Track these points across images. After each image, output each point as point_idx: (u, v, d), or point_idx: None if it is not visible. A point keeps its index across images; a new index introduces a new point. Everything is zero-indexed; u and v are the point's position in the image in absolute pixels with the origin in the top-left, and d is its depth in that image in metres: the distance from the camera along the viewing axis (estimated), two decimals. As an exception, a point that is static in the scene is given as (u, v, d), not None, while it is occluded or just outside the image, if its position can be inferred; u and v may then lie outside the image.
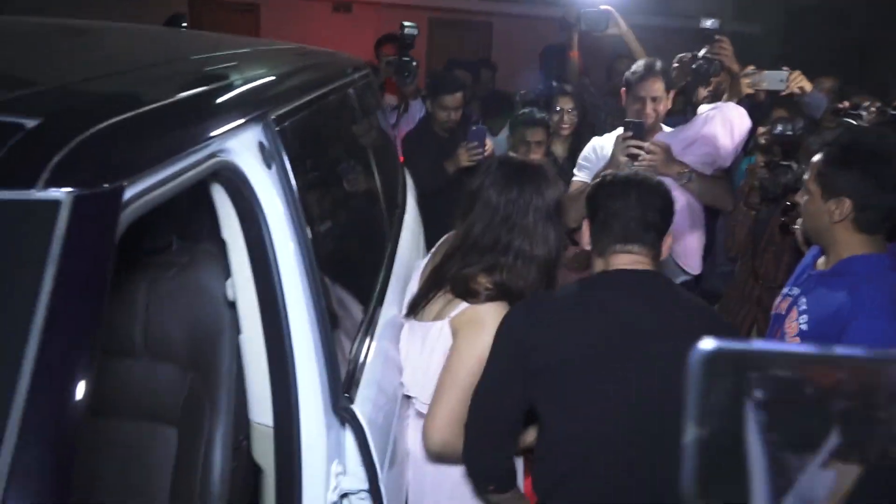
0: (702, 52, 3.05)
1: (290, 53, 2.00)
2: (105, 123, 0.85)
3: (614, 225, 1.61)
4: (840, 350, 0.42)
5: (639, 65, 2.86)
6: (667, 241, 1.64)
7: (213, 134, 1.10)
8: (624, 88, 2.91)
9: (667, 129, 2.93)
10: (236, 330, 1.41)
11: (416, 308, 1.86)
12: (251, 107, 1.28)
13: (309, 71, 1.79)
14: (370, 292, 1.92)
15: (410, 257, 2.42)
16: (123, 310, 1.47)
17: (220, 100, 1.20)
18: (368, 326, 1.78)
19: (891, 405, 0.41)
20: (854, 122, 2.93)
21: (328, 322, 1.41)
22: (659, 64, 2.85)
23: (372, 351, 1.71)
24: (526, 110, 3.45)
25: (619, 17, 3.48)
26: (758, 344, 0.43)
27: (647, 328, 1.53)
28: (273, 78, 1.49)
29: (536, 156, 3.25)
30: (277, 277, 1.30)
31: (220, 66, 1.41)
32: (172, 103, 1.05)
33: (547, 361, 1.55)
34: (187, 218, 1.62)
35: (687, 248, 2.90)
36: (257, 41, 2.18)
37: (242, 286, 1.32)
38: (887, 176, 1.74)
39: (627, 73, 2.90)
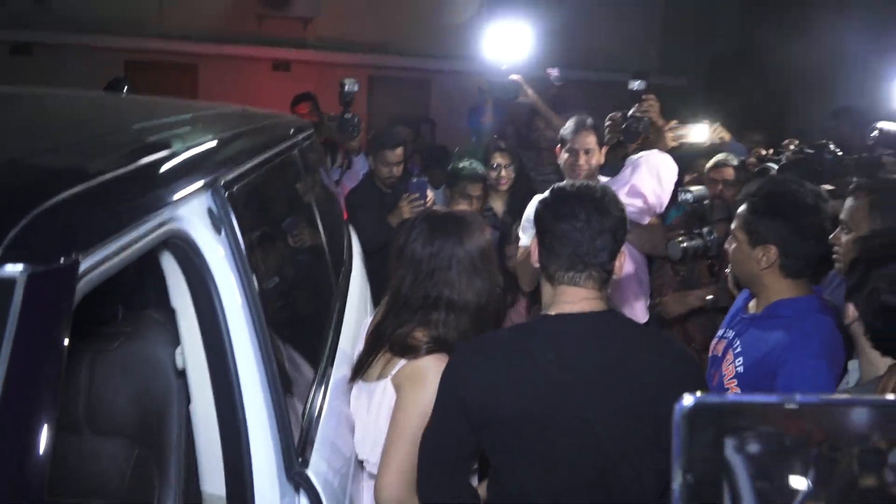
0: (631, 111, 3.20)
1: (234, 117, 2.02)
2: (56, 198, 0.85)
3: (562, 251, 1.53)
4: (800, 398, 0.47)
5: (572, 121, 3.00)
6: (619, 259, 1.57)
7: (163, 203, 1.11)
8: (559, 145, 3.03)
9: (603, 178, 3.02)
10: (185, 399, 1.38)
11: (360, 369, 1.85)
12: (200, 174, 1.29)
13: (254, 134, 1.80)
14: (320, 353, 1.91)
15: (358, 316, 2.42)
16: (66, 384, 1.43)
17: (169, 168, 1.20)
18: (320, 388, 1.76)
19: (847, 446, 0.46)
20: (774, 166, 3.12)
21: (280, 387, 1.39)
22: (590, 120, 2.99)
23: (325, 413, 1.69)
24: (465, 164, 3.52)
25: (527, 87, 3.67)
26: (732, 397, 0.48)
27: (595, 376, 1.48)
28: (220, 143, 1.50)
29: (476, 208, 3.32)
30: (229, 344, 1.29)
31: (167, 133, 1.41)
32: (123, 174, 1.05)
33: (490, 416, 1.51)
34: (133, 286, 1.59)
35: (631, 300, 2.98)
36: (201, 105, 2.19)
37: (192, 354, 1.30)
38: (808, 225, 1.85)
39: (562, 130, 3.03)
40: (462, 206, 3.30)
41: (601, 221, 1.52)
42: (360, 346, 1.95)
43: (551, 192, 1.61)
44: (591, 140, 2.96)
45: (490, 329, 1.81)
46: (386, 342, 1.78)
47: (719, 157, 3.49)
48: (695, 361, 1.59)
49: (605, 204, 1.55)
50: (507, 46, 3.76)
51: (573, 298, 1.53)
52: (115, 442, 1.45)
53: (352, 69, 8.00)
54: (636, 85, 3.25)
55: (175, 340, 1.45)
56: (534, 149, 4.32)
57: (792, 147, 3.17)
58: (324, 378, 1.82)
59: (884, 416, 0.47)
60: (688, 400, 0.47)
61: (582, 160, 2.92)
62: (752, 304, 2.05)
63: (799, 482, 0.46)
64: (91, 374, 1.45)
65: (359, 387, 1.86)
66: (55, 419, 0.72)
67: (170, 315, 1.39)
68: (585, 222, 1.51)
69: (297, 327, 1.81)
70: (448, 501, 1.59)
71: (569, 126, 3.00)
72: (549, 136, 3.93)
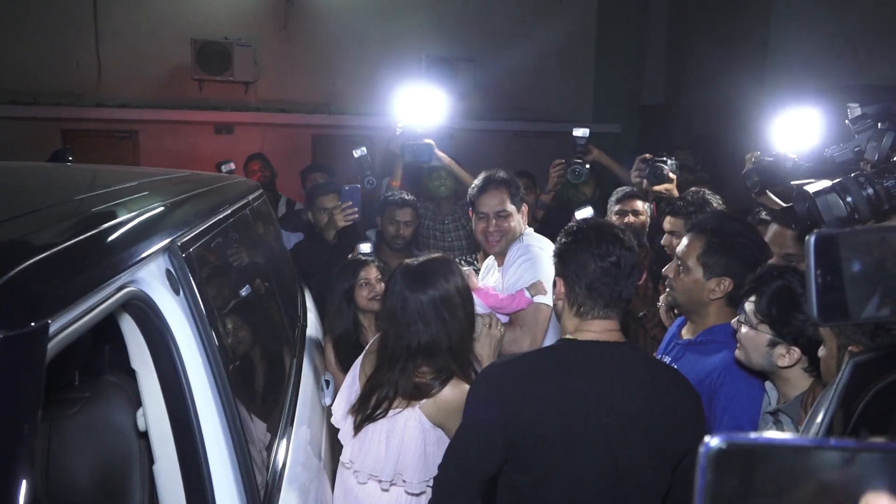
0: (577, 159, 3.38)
1: (185, 181, 2.05)
2: (22, 266, 0.87)
3: (602, 290, 1.61)
4: (834, 442, 0.43)
5: (479, 178, 2.66)
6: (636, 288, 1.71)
7: (123, 266, 1.13)
8: (470, 209, 2.71)
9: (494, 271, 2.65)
10: (148, 460, 1.38)
11: (368, 418, 1.92)
12: (157, 236, 1.32)
13: (207, 196, 1.84)
14: (281, 407, 1.92)
15: (315, 369, 2.43)
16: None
17: (127, 232, 1.23)
18: (283, 441, 1.77)
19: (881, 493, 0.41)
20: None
21: (244, 443, 1.40)
22: (501, 174, 2.63)
23: (289, 466, 1.70)
24: (396, 193, 3.59)
25: (440, 151, 3.66)
26: (762, 438, 0.43)
27: (619, 401, 1.56)
28: (174, 206, 1.53)
29: (406, 234, 3.43)
30: (191, 403, 1.30)
31: (121, 199, 1.44)
32: (82, 241, 1.07)
33: (525, 435, 1.57)
34: (89, 350, 1.59)
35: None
36: (150, 171, 2.22)
37: (155, 415, 1.31)
38: (754, 259, 2.04)
39: (469, 189, 2.71)
40: (389, 231, 3.41)
41: (630, 259, 1.63)
42: (352, 391, 2.03)
43: (577, 233, 1.67)
44: (499, 200, 2.55)
45: (466, 363, 1.93)
46: (391, 393, 1.90)
47: (623, 189, 3.47)
48: (695, 390, 1.69)
49: (629, 241, 1.66)
50: (421, 110, 3.67)
51: (599, 329, 1.64)
52: (76, 511, 1.43)
53: (295, 129, 8.10)
54: (579, 133, 3.45)
55: (134, 402, 1.45)
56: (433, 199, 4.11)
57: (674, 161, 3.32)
58: (286, 431, 1.82)
59: None
60: (715, 441, 0.43)
61: (491, 227, 2.55)
62: (685, 329, 2.17)
63: None
64: (49, 442, 1.43)
65: (368, 429, 1.94)
66: (34, 483, 0.74)
67: (128, 378, 1.40)
68: (617, 261, 1.61)
69: (258, 383, 1.82)
70: None
71: (474, 185, 2.65)
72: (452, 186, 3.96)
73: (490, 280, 2.72)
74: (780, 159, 2.33)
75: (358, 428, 1.93)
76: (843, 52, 6.61)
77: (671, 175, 3.15)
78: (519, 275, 2.45)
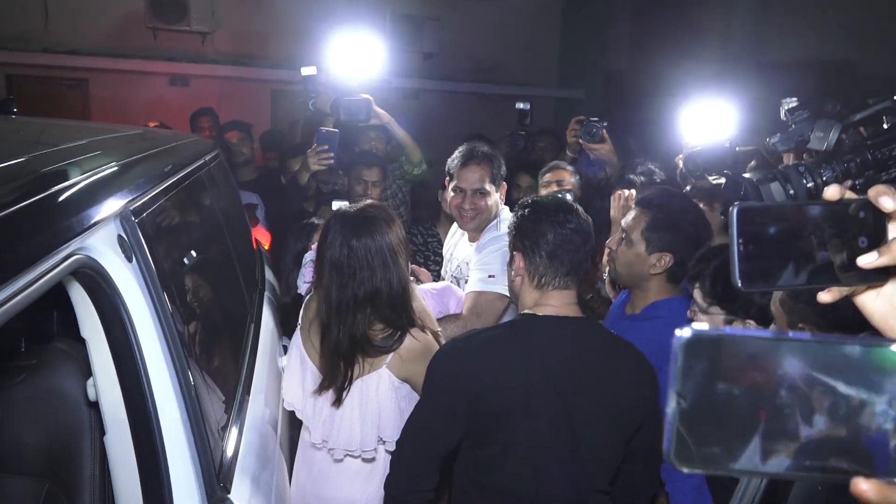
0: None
1: (138, 140, 1.97)
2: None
3: (563, 257, 1.63)
4: (792, 334, 0.52)
5: (460, 150, 2.57)
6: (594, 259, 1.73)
7: (71, 234, 1.09)
8: (446, 178, 2.64)
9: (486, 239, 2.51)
10: (98, 431, 1.35)
11: (338, 384, 1.88)
12: (108, 201, 1.26)
13: (162, 158, 1.77)
14: (238, 376, 1.89)
15: (273, 336, 2.40)
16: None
17: (75, 197, 1.17)
18: (240, 411, 1.75)
19: (836, 383, 0.50)
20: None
21: (199, 413, 1.38)
22: (485, 149, 2.55)
23: (245, 436, 1.68)
24: (365, 149, 3.46)
25: (379, 108, 3.31)
26: (729, 330, 0.50)
27: (580, 374, 1.59)
28: (127, 169, 1.47)
29: (374, 194, 3.25)
30: (144, 373, 1.27)
31: (71, 159, 1.37)
32: (25, 207, 1.02)
33: (487, 409, 1.58)
34: (36, 318, 1.53)
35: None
36: (101, 127, 2.13)
37: (106, 385, 1.27)
38: (697, 237, 2.06)
39: (449, 160, 2.60)
40: (357, 191, 3.26)
41: (587, 227, 1.67)
42: (298, 364, 1.97)
43: (533, 205, 1.70)
44: (479, 177, 2.48)
45: (412, 313, 1.90)
46: (352, 350, 1.85)
47: (555, 163, 3.41)
48: (651, 365, 1.73)
49: (580, 213, 1.69)
50: (357, 61, 3.27)
51: (559, 302, 1.65)
52: (24, 480, 1.39)
53: (254, 84, 7.87)
54: (520, 105, 3.44)
55: (85, 371, 1.41)
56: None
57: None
58: (243, 401, 1.80)
59: (873, 356, 0.51)
60: (686, 331, 0.51)
61: (467, 203, 2.49)
62: (628, 305, 2.21)
63: (787, 415, 0.50)
64: (-6, 412, 1.39)
65: (329, 395, 1.89)
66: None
67: (78, 345, 1.36)
68: (576, 229, 1.64)
69: (215, 351, 1.78)
70: (413, 500, 1.64)
71: (455, 156, 2.56)
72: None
73: (458, 253, 2.72)
74: (716, 146, 2.39)
75: (340, 401, 1.88)
76: (802, 25, 6.67)
77: (605, 135, 3.20)
78: (486, 260, 2.44)
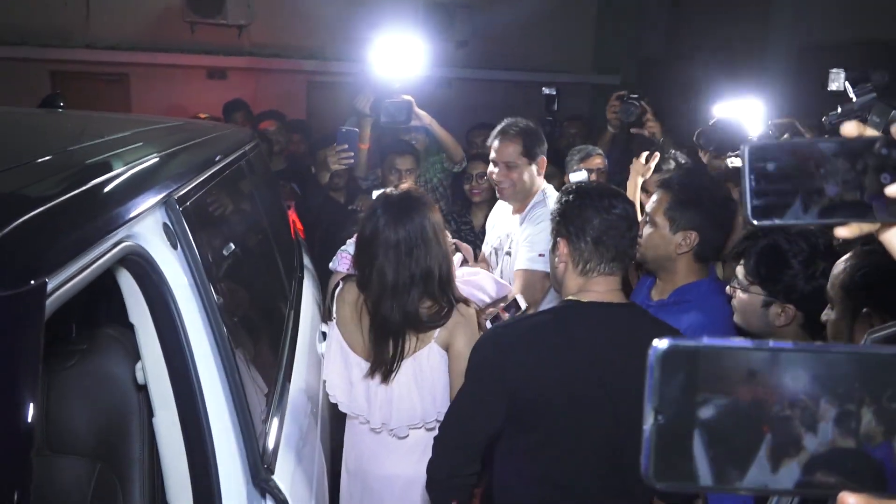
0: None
1: (179, 131, 2.02)
2: (17, 222, 0.86)
3: (609, 242, 1.62)
4: (773, 344, 0.49)
5: (499, 127, 2.68)
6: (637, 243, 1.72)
7: (120, 221, 1.12)
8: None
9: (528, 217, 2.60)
10: (147, 413, 1.39)
11: (391, 365, 1.91)
12: (154, 190, 1.30)
13: (203, 147, 1.81)
14: (280, 360, 1.93)
15: (313, 322, 2.44)
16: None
17: (123, 186, 1.21)
18: (282, 394, 1.79)
19: (818, 396, 0.48)
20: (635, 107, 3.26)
21: (243, 396, 1.42)
22: (521, 124, 2.63)
23: (288, 418, 1.72)
24: (398, 139, 3.44)
25: (420, 110, 3.24)
26: (706, 340, 0.48)
27: (624, 362, 1.56)
28: (171, 158, 1.51)
29: (407, 183, 3.18)
30: (190, 357, 1.30)
31: (116, 150, 1.42)
32: (78, 195, 1.05)
33: (531, 397, 1.58)
34: (86, 303, 1.58)
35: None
36: (144, 119, 2.18)
37: (154, 369, 1.31)
38: (720, 213, 2.06)
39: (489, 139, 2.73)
40: (391, 180, 3.21)
41: (633, 212, 1.65)
42: (339, 357, 1.99)
43: (577, 191, 1.69)
44: (512, 150, 2.58)
45: (450, 290, 1.94)
46: (403, 327, 1.89)
47: (585, 148, 3.38)
48: None
49: (626, 198, 1.68)
50: (399, 62, 3.21)
51: (604, 288, 1.64)
52: (76, 460, 1.44)
53: (289, 75, 7.95)
54: (547, 91, 3.45)
55: (133, 356, 1.45)
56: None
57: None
58: (284, 386, 1.84)
59: (862, 365, 0.48)
60: (662, 343, 0.49)
61: (500, 176, 2.62)
62: (655, 290, 2.18)
63: (767, 430, 0.48)
64: (48, 394, 1.44)
65: (388, 388, 1.93)
66: (35, 440, 0.74)
67: (126, 331, 1.40)
68: (622, 215, 1.62)
69: (257, 336, 1.82)
70: (457, 482, 1.64)
71: (493, 133, 2.69)
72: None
73: (500, 224, 2.78)
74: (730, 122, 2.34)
75: (386, 378, 1.91)
76: (845, 5, 6.48)
77: (648, 114, 3.17)
78: (536, 239, 2.50)
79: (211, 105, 6.05)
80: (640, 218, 2.17)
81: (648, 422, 0.48)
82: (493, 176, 2.65)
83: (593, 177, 3.17)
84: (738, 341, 0.49)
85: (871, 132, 0.68)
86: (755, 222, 0.68)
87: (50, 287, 0.86)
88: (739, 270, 1.82)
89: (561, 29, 8.66)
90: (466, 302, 1.96)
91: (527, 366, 1.58)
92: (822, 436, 0.48)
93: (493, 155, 2.65)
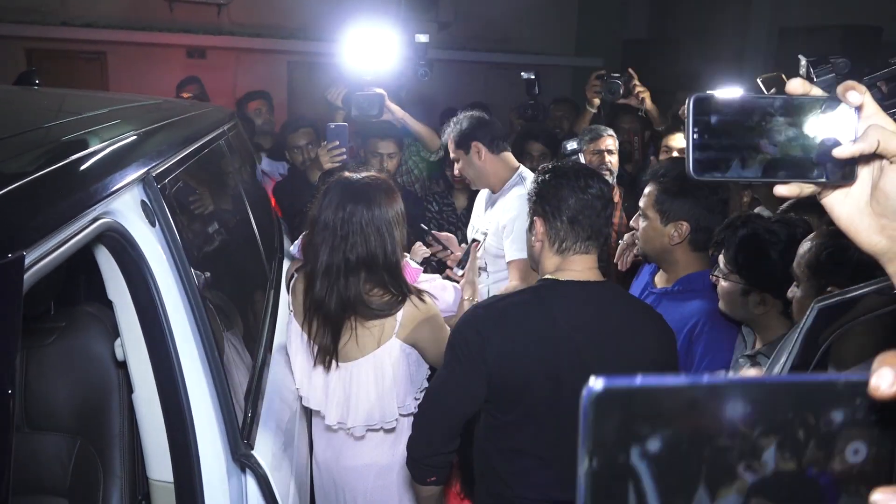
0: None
1: (157, 109, 2.00)
2: (-3, 194, 0.86)
3: (584, 221, 1.63)
4: (707, 379, 0.45)
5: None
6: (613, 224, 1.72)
7: (97, 198, 1.12)
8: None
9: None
10: (127, 389, 1.40)
11: (332, 351, 1.88)
12: (132, 167, 1.30)
13: (182, 125, 1.81)
14: (259, 337, 1.94)
15: (293, 301, 2.44)
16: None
17: (101, 163, 1.21)
18: (261, 370, 1.80)
19: (758, 429, 0.45)
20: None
21: (222, 371, 1.43)
22: (453, 121, 2.76)
23: (267, 394, 1.73)
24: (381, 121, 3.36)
25: (392, 104, 3.22)
26: (640, 380, 0.45)
27: (604, 339, 1.60)
28: (149, 136, 1.51)
29: (390, 166, 3.22)
30: (169, 333, 1.31)
31: (93, 127, 1.41)
32: (55, 171, 1.06)
33: (511, 376, 1.60)
34: (64, 281, 1.58)
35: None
36: (121, 97, 2.16)
37: (133, 345, 1.32)
38: (715, 201, 2.04)
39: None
40: (373, 164, 3.17)
41: (608, 192, 1.66)
42: (303, 351, 1.97)
43: (553, 170, 1.70)
44: (451, 147, 2.77)
45: (401, 281, 1.91)
46: (341, 314, 1.84)
47: (596, 129, 3.37)
48: (672, 331, 1.73)
49: (601, 178, 1.68)
50: (371, 54, 3.14)
51: (581, 266, 1.66)
52: (56, 437, 1.45)
53: (269, 55, 7.87)
54: (525, 75, 3.48)
55: (111, 333, 1.46)
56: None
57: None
58: (264, 361, 1.85)
59: (798, 394, 0.47)
60: (597, 383, 0.45)
61: (456, 170, 2.85)
62: (659, 278, 2.21)
63: (705, 462, 0.46)
64: (26, 371, 1.44)
65: (340, 370, 1.89)
66: (13, 414, 0.75)
67: (105, 308, 1.40)
68: (597, 194, 1.64)
69: (235, 313, 1.83)
70: (436, 460, 1.66)
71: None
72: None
73: (482, 212, 2.88)
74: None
75: (328, 365, 1.89)
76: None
77: (637, 90, 3.25)
78: (518, 224, 2.57)
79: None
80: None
81: (583, 466, 0.45)
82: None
83: (605, 157, 3.22)
84: (672, 378, 0.46)
85: (816, 91, 0.68)
86: (696, 177, 0.68)
87: (28, 261, 0.87)
88: (721, 259, 1.84)
89: (544, 11, 8.64)
90: (420, 294, 1.92)
91: (507, 346, 1.60)
92: (763, 465, 0.46)
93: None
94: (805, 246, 1.51)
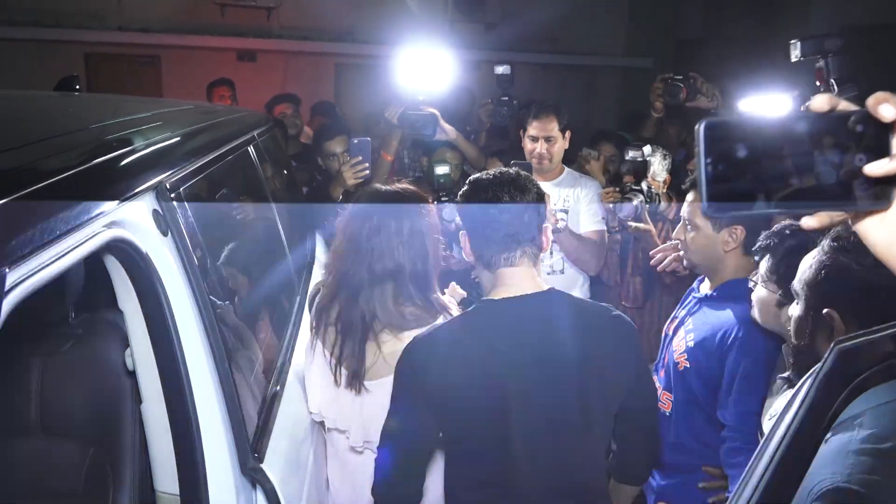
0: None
1: (189, 115, 2.01)
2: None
3: (494, 235, 1.56)
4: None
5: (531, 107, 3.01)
6: (545, 232, 1.62)
7: (100, 209, 1.11)
8: (521, 131, 3.04)
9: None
10: (138, 399, 1.39)
11: (360, 369, 1.80)
12: (143, 176, 1.28)
13: (204, 132, 1.80)
14: (278, 350, 1.92)
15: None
16: (15, 387, 1.43)
17: (109, 172, 1.19)
18: (276, 383, 1.78)
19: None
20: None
21: (233, 384, 1.41)
22: (551, 101, 2.99)
23: (281, 407, 1.71)
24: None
25: (446, 124, 3.22)
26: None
27: (544, 353, 1.51)
28: (167, 144, 1.49)
29: (455, 176, 3.25)
30: (178, 345, 1.29)
31: (113, 135, 1.40)
32: (57, 182, 1.04)
33: (450, 399, 1.53)
34: (84, 287, 1.59)
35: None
36: (157, 103, 2.18)
37: (142, 355, 1.31)
38: None
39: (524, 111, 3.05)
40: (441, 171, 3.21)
41: (524, 199, 1.57)
42: (325, 370, 1.88)
43: (469, 183, 1.63)
44: (552, 125, 2.94)
45: (432, 294, 1.84)
46: (364, 327, 1.78)
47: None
48: (630, 324, 1.63)
49: (523, 182, 1.59)
50: (425, 75, 3.16)
51: (513, 280, 1.58)
52: (69, 444, 1.45)
53: (319, 57, 7.94)
54: (500, 70, 3.36)
55: (126, 342, 1.45)
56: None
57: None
58: (280, 374, 1.83)
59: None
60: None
61: (540, 148, 2.96)
62: (703, 284, 2.11)
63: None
64: (42, 377, 1.45)
65: (371, 385, 1.81)
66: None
67: (123, 316, 1.39)
68: (510, 203, 1.56)
69: (255, 326, 1.81)
70: (404, 497, 1.60)
71: (530, 111, 3.00)
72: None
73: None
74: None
75: (354, 383, 1.80)
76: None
77: (699, 81, 3.16)
78: (595, 209, 3.00)
79: (241, 88, 6.07)
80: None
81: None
82: (536, 150, 2.93)
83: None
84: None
85: (844, 105, 0.61)
86: (710, 214, 0.63)
87: (16, 276, 0.85)
88: (764, 264, 1.75)
89: (592, 10, 8.47)
90: (449, 311, 1.84)
91: (444, 378, 1.52)
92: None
93: (532, 132, 2.95)
94: (807, 262, 1.41)
